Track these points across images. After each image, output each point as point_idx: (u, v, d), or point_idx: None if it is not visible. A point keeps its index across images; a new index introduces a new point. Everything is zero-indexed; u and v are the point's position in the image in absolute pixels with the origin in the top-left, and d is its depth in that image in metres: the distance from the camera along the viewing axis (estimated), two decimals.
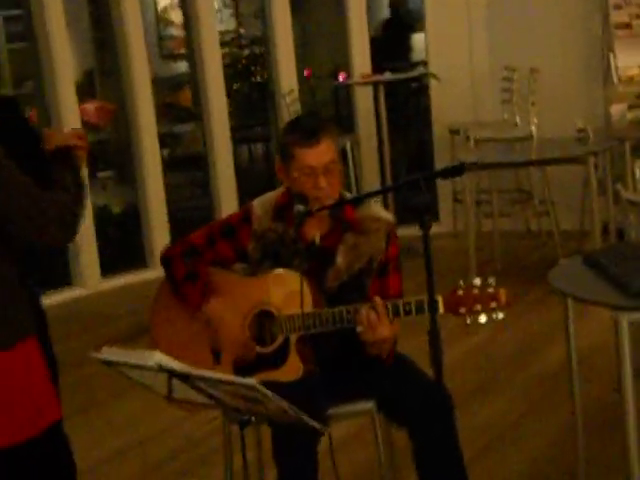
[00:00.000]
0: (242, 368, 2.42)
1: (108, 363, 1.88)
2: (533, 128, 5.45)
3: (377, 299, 2.30)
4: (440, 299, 2.24)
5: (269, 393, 1.76)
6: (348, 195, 2.57)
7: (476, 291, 2.23)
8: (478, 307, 2.23)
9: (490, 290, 2.23)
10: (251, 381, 1.75)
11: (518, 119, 5.71)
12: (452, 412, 2.39)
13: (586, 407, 2.83)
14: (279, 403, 1.78)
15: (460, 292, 2.24)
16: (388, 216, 2.51)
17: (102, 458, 3.43)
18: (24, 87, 8.01)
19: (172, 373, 1.80)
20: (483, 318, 2.23)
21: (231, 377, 1.79)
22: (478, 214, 5.51)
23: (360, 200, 2.57)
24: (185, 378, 1.80)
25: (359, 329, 2.32)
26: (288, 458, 2.34)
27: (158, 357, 1.80)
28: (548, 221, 5.42)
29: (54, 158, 2.24)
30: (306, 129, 2.42)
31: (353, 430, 3.22)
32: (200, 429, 3.51)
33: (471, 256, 4.91)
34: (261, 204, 2.51)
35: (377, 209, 2.53)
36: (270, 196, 2.53)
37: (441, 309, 2.24)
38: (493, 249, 5.35)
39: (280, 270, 2.42)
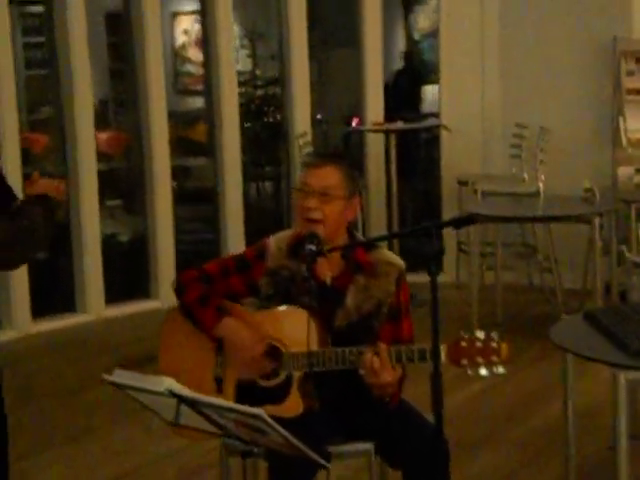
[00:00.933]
0: (243, 400, 2.45)
1: (118, 386, 1.92)
2: (540, 185, 5.53)
3: (381, 345, 2.34)
4: (443, 349, 2.27)
5: (274, 424, 1.80)
6: (359, 237, 2.63)
7: (479, 344, 2.26)
8: (480, 360, 2.26)
9: (493, 344, 2.26)
10: (258, 410, 1.79)
11: (526, 175, 5.79)
12: (448, 460, 2.42)
13: (580, 464, 2.85)
14: (284, 434, 1.82)
15: (463, 343, 2.27)
16: (399, 261, 2.56)
17: None
18: (40, 113, 8.13)
19: (181, 399, 1.84)
20: (484, 371, 2.27)
21: (239, 406, 1.83)
22: (482, 266, 5.57)
23: (372, 243, 2.63)
24: (194, 404, 1.84)
25: (361, 372, 2.36)
26: None
27: (168, 383, 1.85)
28: (551, 277, 5.47)
29: (31, 201, 2.42)
30: (317, 155, 2.51)
31: (348, 471, 3.23)
32: (196, 460, 3.52)
33: (473, 307, 4.96)
34: (276, 241, 2.56)
35: (389, 254, 2.58)
36: (285, 234, 2.58)
37: (443, 358, 2.27)
38: (495, 302, 5.39)
39: (289, 307, 2.47)
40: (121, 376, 1.91)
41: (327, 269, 2.49)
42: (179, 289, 2.55)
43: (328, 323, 2.47)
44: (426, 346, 2.32)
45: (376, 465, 2.53)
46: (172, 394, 1.83)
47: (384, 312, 2.50)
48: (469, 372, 2.28)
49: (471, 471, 3.45)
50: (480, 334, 2.28)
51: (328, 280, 2.48)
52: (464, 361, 2.27)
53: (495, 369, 2.27)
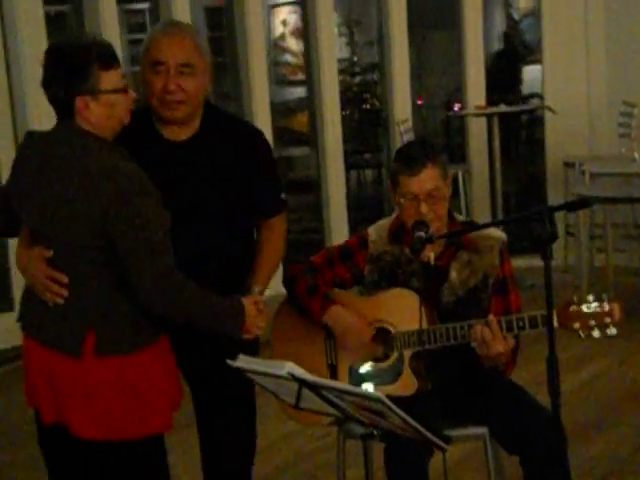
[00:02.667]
0: (358, 384, 2.48)
1: (242, 370, 1.98)
2: None
3: (491, 317, 2.37)
4: (554, 313, 2.26)
5: (394, 407, 1.83)
6: (460, 217, 2.63)
7: (590, 307, 2.28)
8: (592, 322, 2.28)
9: (605, 305, 2.27)
10: (377, 393, 1.82)
11: (636, 154, 5.63)
12: (565, 443, 2.40)
13: None
14: (404, 417, 1.84)
15: (574, 307, 2.29)
16: (500, 234, 2.57)
17: None
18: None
19: (303, 382, 1.88)
20: (597, 333, 2.28)
21: (358, 388, 1.86)
22: (591, 248, 5.46)
23: (479, 228, 2.62)
24: (315, 388, 1.88)
25: (473, 344, 2.38)
26: (401, 475, 2.39)
27: (290, 367, 1.89)
28: None
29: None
30: (410, 157, 2.50)
31: (462, 454, 3.24)
32: (310, 444, 3.59)
33: (584, 291, 4.86)
34: (376, 230, 2.62)
35: (488, 228, 2.58)
36: (384, 222, 2.64)
37: (555, 322, 2.27)
38: (606, 285, 5.27)
39: (396, 289, 2.51)
40: (244, 361, 1.97)
41: (429, 249, 2.51)
42: (288, 282, 2.63)
43: (435, 300, 2.50)
44: (536, 313, 2.33)
45: (491, 449, 2.53)
46: (294, 377, 1.88)
47: (490, 285, 2.51)
48: (581, 334, 2.29)
49: (588, 455, 3.41)
50: (590, 297, 2.29)
51: (432, 259, 2.51)
52: (576, 324, 2.28)
53: (608, 330, 2.27)
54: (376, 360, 2.52)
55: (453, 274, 2.52)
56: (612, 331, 2.27)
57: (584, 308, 2.28)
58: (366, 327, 2.51)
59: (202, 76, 2.40)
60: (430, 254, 2.50)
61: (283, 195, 2.61)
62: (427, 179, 2.47)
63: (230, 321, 2.25)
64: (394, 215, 2.62)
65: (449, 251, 2.53)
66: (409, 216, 2.50)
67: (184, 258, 2.21)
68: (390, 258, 2.56)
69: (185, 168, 2.43)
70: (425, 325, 2.42)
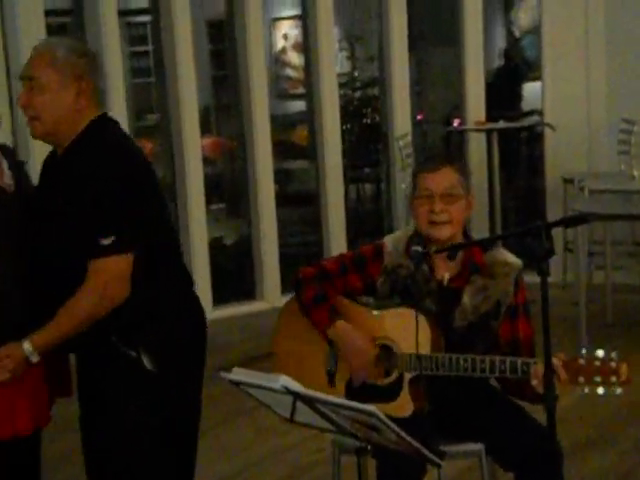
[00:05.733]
0: (353, 396, 2.47)
1: (236, 383, 1.97)
2: None
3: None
4: (560, 365, 2.22)
5: (389, 422, 1.82)
6: (473, 237, 2.62)
7: (598, 363, 2.21)
8: (598, 379, 2.21)
9: (612, 364, 2.20)
10: (372, 408, 1.81)
11: (636, 172, 5.63)
12: (561, 459, 2.39)
13: None
14: (398, 432, 1.83)
15: (581, 361, 2.22)
16: (517, 261, 2.53)
17: None
18: (146, 120, 8.38)
19: (297, 396, 1.87)
20: (601, 390, 2.21)
21: (353, 403, 1.85)
22: (590, 265, 5.45)
23: (477, 244, 2.60)
24: (309, 401, 1.87)
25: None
26: None
27: (284, 380, 1.88)
28: None
29: None
30: (432, 157, 2.55)
31: (457, 471, 3.22)
32: (307, 458, 3.58)
33: (582, 308, 4.85)
34: (392, 241, 2.58)
35: (506, 253, 2.56)
36: (400, 234, 2.61)
37: (563, 376, 2.22)
38: (605, 302, 5.26)
39: (407, 309, 2.45)
40: (238, 374, 1.96)
41: (445, 269, 2.50)
42: (297, 286, 2.59)
43: (446, 324, 2.47)
44: (530, 360, 2.30)
45: (487, 466, 2.51)
46: (288, 391, 1.86)
47: (502, 312, 2.49)
48: (585, 390, 2.23)
49: (584, 472, 3.39)
50: (600, 353, 2.22)
51: (445, 280, 2.49)
52: (581, 379, 2.22)
53: (613, 389, 2.21)
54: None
55: (466, 298, 2.48)
56: (617, 390, 2.20)
57: (592, 362, 2.21)
58: (371, 348, 2.48)
59: (54, 93, 2.28)
60: (445, 274, 2.49)
61: (107, 241, 2.22)
62: (445, 177, 2.47)
63: None
64: (412, 228, 2.59)
65: (464, 274, 2.51)
66: (423, 217, 2.47)
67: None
68: (405, 272, 2.52)
69: (41, 187, 2.41)
70: (427, 350, 2.39)
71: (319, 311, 2.53)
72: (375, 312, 2.54)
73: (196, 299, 2.51)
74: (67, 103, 2.29)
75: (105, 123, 2.36)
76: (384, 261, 2.55)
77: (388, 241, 2.58)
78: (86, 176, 2.24)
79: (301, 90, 9.04)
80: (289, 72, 10.11)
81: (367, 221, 7.76)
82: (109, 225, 2.23)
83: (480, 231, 6.25)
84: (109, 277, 2.23)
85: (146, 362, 2.32)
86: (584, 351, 2.24)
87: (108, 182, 2.23)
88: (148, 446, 2.37)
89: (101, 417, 2.36)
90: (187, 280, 2.51)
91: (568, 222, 2.32)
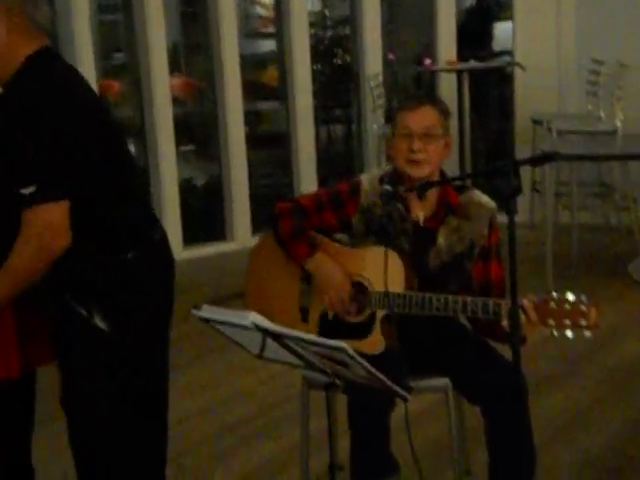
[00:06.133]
0: (326, 332, 2.50)
1: (207, 320, 1.99)
2: (618, 123, 5.41)
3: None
4: (531, 307, 2.25)
5: (357, 357, 1.85)
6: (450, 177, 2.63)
7: (568, 306, 2.24)
8: (567, 322, 2.24)
9: (582, 307, 2.23)
10: (341, 344, 1.84)
11: (603, 113, 5.67)
12: (526, 394, 2.45)
13: None
14: (367, 367, 1.87)
15: (552, 304, 2.25)
16: (491, 203, 2.55)
17: (180, 417, 3.56)
18: (113, 59, 8.24)
19: (266, 332, 1.90)
20: (570, 333, 2.24)
21: (322, 339, 1.88)
22: (557, 206, 5.51)
23: (464, 185, 2.60)
24: (278, 338, 1.90)
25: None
26: (363, 426, 2.42)
27: (253, 317, 1.90)
28: (629, 216, 5.39)
29: None
30: (412, 96, 2.53)
31: (424, 405, 3.29)
32: (276, 394, 3.63)
33: (548, 248, 4.92)
34: (369, 179, 2.58)
35: (480, 195, 2.58)
36: (377, 172, 2.60)
37: (533, 318, 2.26)
38: (571, 242, 5.34)
39: (382, 248, 2.44)
40: (209, 311, 1.97)
41: (420, 209, 2.51)
42: (274, 219, 2.58)
43: (421, 263, 2.49)
44: (502, 301, 2.32)
45: (452, 399, 2.57)
46: (257, 327, 1.89)
47: (475, 253, 2.51)
48: (554, 333, 2.26)
49: (546, 407, 3.48)
50: (570, 296, 2.25)
51: (421, 220, 2.51)
52: (551, 321, 2.25)
53: (582, 332, 2.24)
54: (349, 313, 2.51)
55: (441, 239, 2.50)
56: (586, 333, 2.22)
57: (562, 305, 2.23)
58: (348, 283, 2.49)
59: None
60: (420, 214, 2.51)
61: (27, 190, 2.05)
62: (425, 115, 2.47)
63: None
64: (389, 167, 2.58)
65: (439, 215, 2.52)
66: (401, 155, 2.47)
67: None
68: (381, 211, 2.52)
69: None
70: (401, 288, 2.41)
71: (298, 244, 2.53)
72: (350, 249, 2.54)
73: (160, 249, 2.34)
74: None
75: (42, 58, 2.17)
76: (360, 199, 2.54)
77: (365, 179, 2.58)
78: (12, 118, 2.07)
79: (271, 29, 8.92)
80: (259, 10, 9.95)
81: (338, 162, 7.74)
82: (27, 173, 2.06)
83: (450, 171, 6.22)
84: (41, 228, 2.07)
85: (98, 321, 2.22)
86: (555, 294, 2.26)
87: (34, 124, 2.05)
88: (108, 410, 2.27)
89: (63, 380, 2.30)
90: (148, 229, 2.32)
91: (536, 161, 2.33)
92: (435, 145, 2.48)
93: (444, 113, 2.53)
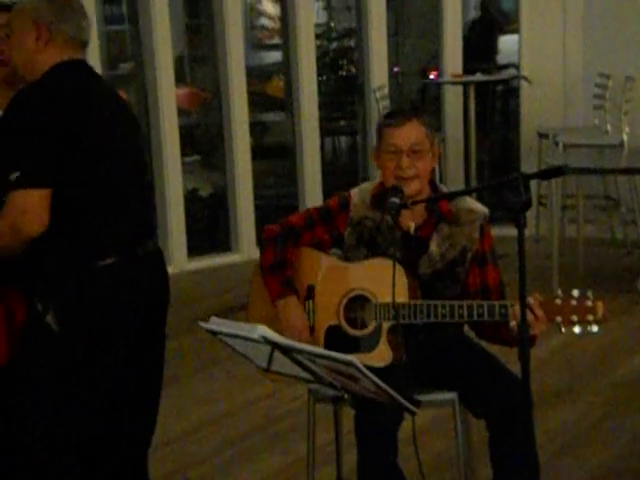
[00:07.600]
0: (332, 346, 2.48)
1: (214, 333, 1.98)
2: (624, 136, 5.41)
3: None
4: (537, 305, 2.25)
5: (366, 371, 1.84)
6: (444, 188, 2.63)
7: (574, 302, 2.24)
8: (574, 318, 2.23)
9: (588, 303, 2.23)
10: (350, 357, 1.83)
11: (609, 126, 5.66)
12: (531, 408, 2.43)
13: None
14: (375, 381, 1.86)
15: (558, 301, 2.25)
16: (482, 208, 2.56)
17: (185, 430, 3.55)
18: (120, 69, 8.26)
19: (275, 345, 1.89)
20: (577, 329, 2.23)
21: (330, 352, 1.87)
22: (563, 219, 5.50)
23: (455, 195, 2.62)
24: (287, 351, 1.89)
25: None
26: (371, 439, 2.40)
27: (262, 330, 1.90)
28: (635, 230, 5.38)
29: None
30: (397, 111, 2.54)
31: (429, 420, 3.27)
32: (281, 407, 3.61)
33: (554, 261, 4.91)
34: (359, 192, 2.58)
35: (471, 201, 2.58)
36: (368, 186, 2.61)
37: (539, 314, 2.25)
38: (576, 255, 5.33)
39: (378, 258, 2.48)
40: (216, 323, 1.97)
41: (410, 219, 2.51)
42: (261, 245, 2.61)
43: (413, 272, 2.49)
44: (507, 302, 2.31)
45: (459, 414, 2.56)
46: (266, 340, 1.88)
47: (468, 259, 2.51)
48: (562, 330, 2.25)
49: (553, 422, 3.46)
50: (575, 292, 2.25)
51: (412, 229, 2.51)
52: (558, 318, 2.25)
53: (589, 328, 2.23)
54: (353, 327, 2.50)
55: (433, 247, 2.50)
56: (593, 328, 2.23)
57: (568, 301, 2.24)
58: (306, 333, 2.49)
59: (17, 36, 2.34)
60: (411, 224, 2.50)
61: (14, 175, 2.21)
62: (411, 132, 2.45)
63: None
64: (378, 180, 2.58)
65: (430, 222, 2.52)
66: (389, 172, 2.47)
67: None
68: (371, 224, 2.53)
69: None
70: (405, 298, 2.40)
71: (273, 280, 2.54)
72: (349, 264, 2.54)
73: (141, 266, 2.34)
74: (28, 47, 2.32)
75: (68, 68, 2.32)
76: (350, 213, 2.55)
77: (355, 193, 2.59)
78: (12, 110, 2.26)
79: (277, 40, 8.94)
80: (265, 22, 9.98)
81: (343, 174, 7.75)
82: (14, 161, 2.23)
83: (455, 184, 6.27)
84: (18, 209, 2.21)
85: (51, 320, 2.21)
86: (560, 292, 2.26)
87: (26, 117, 2.23)
88: (41, 404, 2.28)
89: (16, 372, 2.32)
90: (134, 243, 2.34)
91: (545, 175, 2.32)
92: (424, 160, 2.48)
93: (429, 125, 2.52)
